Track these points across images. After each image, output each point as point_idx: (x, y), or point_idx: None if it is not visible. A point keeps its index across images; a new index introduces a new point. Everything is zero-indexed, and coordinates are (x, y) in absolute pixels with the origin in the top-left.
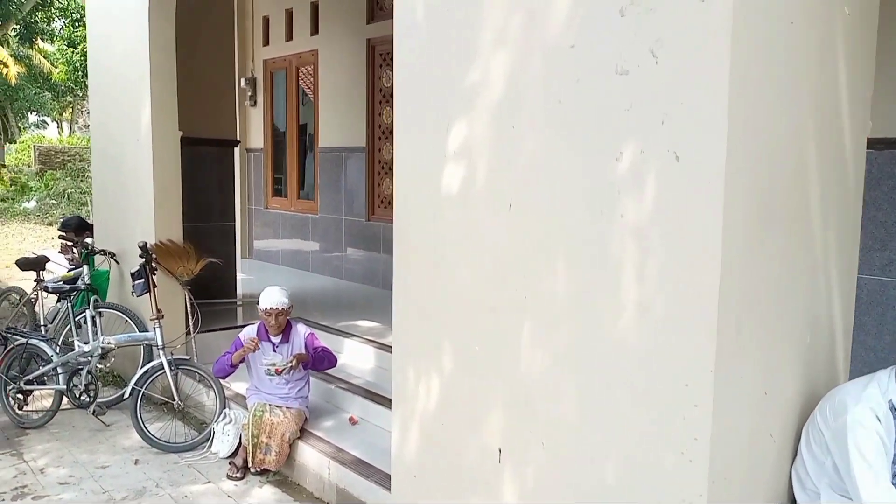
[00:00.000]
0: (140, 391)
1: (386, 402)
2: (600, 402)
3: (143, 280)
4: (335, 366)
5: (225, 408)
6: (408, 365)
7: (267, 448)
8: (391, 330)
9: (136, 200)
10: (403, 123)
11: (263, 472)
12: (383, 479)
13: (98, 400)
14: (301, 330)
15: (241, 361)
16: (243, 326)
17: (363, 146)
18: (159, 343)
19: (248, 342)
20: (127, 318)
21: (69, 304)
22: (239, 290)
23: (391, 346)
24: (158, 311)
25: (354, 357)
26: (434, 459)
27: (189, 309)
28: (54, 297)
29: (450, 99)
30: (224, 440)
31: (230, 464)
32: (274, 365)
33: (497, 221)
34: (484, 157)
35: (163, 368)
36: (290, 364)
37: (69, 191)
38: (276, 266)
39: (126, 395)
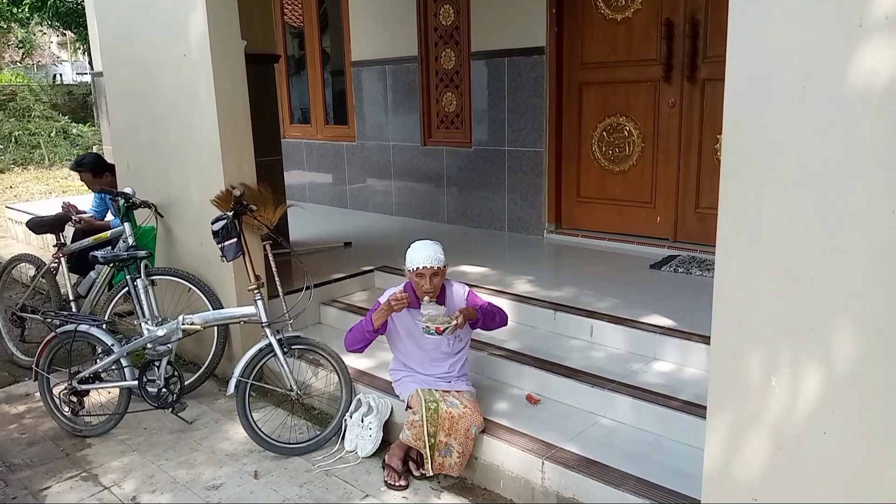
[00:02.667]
0: (248, 383)
1: (567, 372)
2: None
3: (234, 240)
4: (506, 324)
5: (354, 393)
6: (747, 353)
7: (447, 449)
8: (506, 274)
9: (186, 137)
10: None
11: (431, 476)
12: (644, 490)
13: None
14: (459, 290)
15: (383, 325)
16: (330, 282)
17: (414, 55)
18: (264, 319)
19: (397, 297)
20: (191, 286)
21: (128, 275)
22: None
23: (527, 297)
24: (258, 278)
25: None
26: (804, 489)
27: (273, 267)
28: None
29: None
30: (365, 435)
31: (387, 468)
32: (432, 321)
33: None
34: None
35: (272, 351)
36: (454, 322)
37: (16, 133)
38: (304, 204)
39: (203, 380)
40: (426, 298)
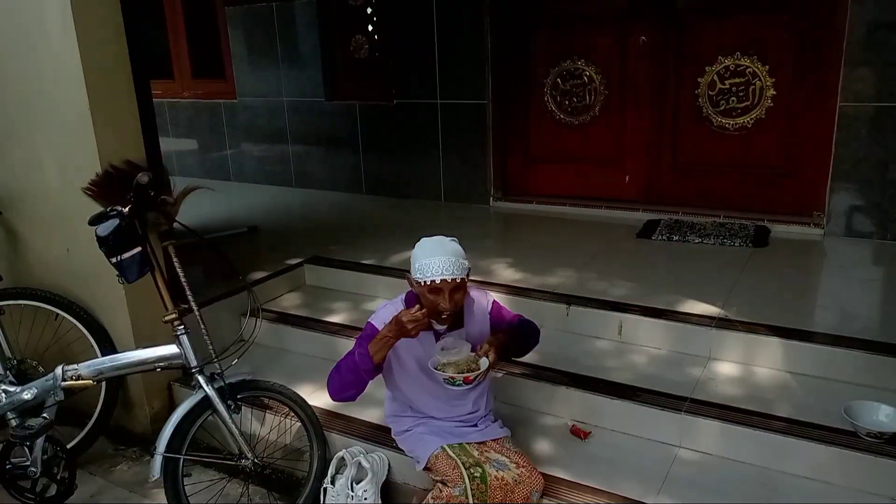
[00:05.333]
0: (180, 460)
1: (619, 391)
2: None
3: (138, 251)
4: (539, 342)
5: (330, 449)
6: None
7: None
8: (474, 257)
9: (32, 97)
10: None
11: None
12: None
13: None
14: (481, 302)
15: (382, 360)
16: (252, 285)
17: None
18: (192, 362)
19: (414, 317)
20: (60, 312)
21: None
22: None
23: (521, 287)
24: (177, 305)
25: None
26: None
27: (183, 278)
28: None
29: None
30: None
31: None
32: (456, 367)
33: None
34: None
35: (210, 407)
36: (487, 361)
37: None
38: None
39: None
40: (441, 333)
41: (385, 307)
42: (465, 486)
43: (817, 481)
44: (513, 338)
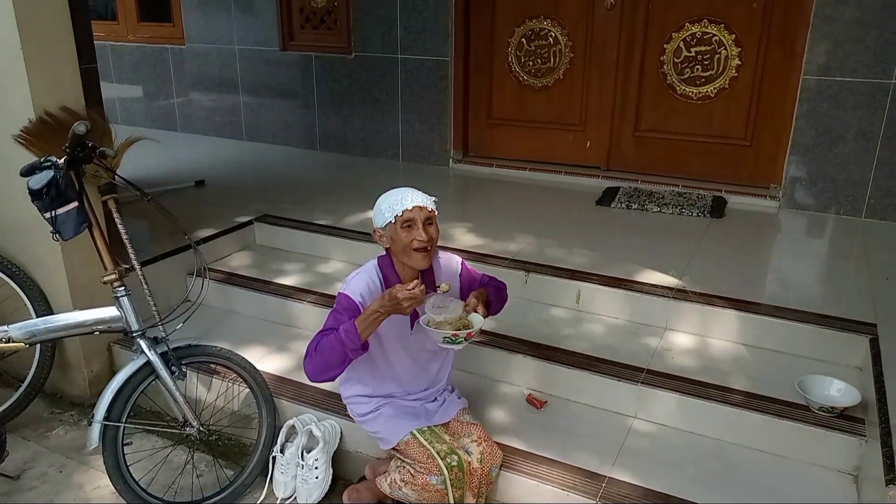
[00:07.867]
0: (120, 428)
1: (576, 360)
2: None
3: (75, 205)
4: (507, 300)
5: (279, 417)
6: None
7: None
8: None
9: None
10: None
11: None
12: None
13: None
14: (451, 263)
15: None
16: (198, 243)
17: None
18: (134, 325)
19: (412, 294)
20: None
21: None
22: None
23: (479, 253)
24: (117, 263)
25: None
26: None
27: (125, 235)
28: None
29: None
30: (310, 478)
31: None
32: (446, 325)
33: None
34: None
35: (152, 373)
36: (478, 314)
37: None
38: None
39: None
40: (439, 290)
41: (357, 276)
42: (445, 477)
43: (770, 454)
44: (495, 295)
